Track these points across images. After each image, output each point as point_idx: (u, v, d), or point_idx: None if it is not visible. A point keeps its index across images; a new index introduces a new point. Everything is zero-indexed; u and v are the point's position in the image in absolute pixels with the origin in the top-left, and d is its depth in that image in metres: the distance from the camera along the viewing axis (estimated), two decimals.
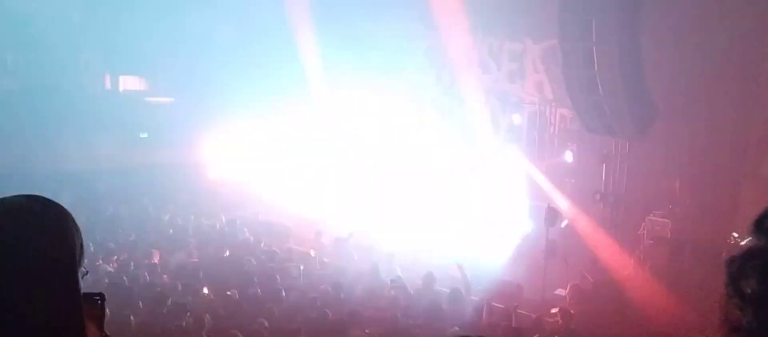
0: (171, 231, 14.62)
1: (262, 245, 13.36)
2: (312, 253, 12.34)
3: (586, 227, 13.74)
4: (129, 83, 21.78)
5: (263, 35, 17.98)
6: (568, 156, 15.66)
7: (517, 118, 16.57)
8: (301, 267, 11.85)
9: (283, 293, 10.48)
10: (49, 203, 1.57)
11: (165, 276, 11.28)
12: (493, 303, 10.84)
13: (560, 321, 10.91)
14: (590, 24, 10.56)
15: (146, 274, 11.05)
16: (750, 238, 1.36)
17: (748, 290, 1.30)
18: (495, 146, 17.51)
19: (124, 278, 10.75)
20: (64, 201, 1.61)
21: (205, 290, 10.17)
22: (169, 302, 9.70)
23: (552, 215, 12.24)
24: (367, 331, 8.94)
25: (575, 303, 11.75)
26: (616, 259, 12.49)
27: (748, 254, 1.33)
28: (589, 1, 10.97)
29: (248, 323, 8.92)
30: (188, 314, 9.15)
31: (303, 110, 19.16)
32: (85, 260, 1.61)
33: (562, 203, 14.32)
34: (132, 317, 8.72)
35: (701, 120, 13.18)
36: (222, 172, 19.66)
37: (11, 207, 1.53)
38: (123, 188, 17.03)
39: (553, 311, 11.52)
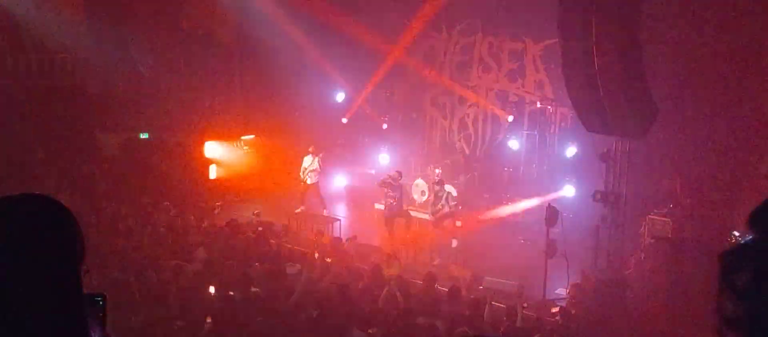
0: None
1: (262, 244, 13.33)
2: (316, 255, 12.33)
3: (586, 226, 13.72)
4: None
5: None
6: (569, 155, 15.66)
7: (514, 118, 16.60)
8: (302, 267, 11.83)
9: (285, 293, 10.45)
10: (50, 202, 1.57)
11: (167, 276, 11.25)
12: (494, 302, 10.84)
13: (561, 321, 10.92)
14: (590, 23, 10.54)
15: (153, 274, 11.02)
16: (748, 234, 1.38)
17: (741, 284, 1.33)
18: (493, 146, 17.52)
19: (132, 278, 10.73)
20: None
21: (212, 290, 10.15)
22: (170, 302, 9.70)
23: (552, 214, 12.23)
24: (368, 331, 8.93)
25: (576, 303, 11.75)
26: (616, 258, 12.47)
27: (743, 247, 1.36)
28: None
29: (249, 323, 8.92)
30: (188, 314, 9.15)
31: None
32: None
33: (562, 202, 14.31)
34: (133, 318, 8.71)
35: (702, 119, 13.18)
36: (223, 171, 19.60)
37: (11, 206, 1.53)
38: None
39: (554, 310, 11.53)
